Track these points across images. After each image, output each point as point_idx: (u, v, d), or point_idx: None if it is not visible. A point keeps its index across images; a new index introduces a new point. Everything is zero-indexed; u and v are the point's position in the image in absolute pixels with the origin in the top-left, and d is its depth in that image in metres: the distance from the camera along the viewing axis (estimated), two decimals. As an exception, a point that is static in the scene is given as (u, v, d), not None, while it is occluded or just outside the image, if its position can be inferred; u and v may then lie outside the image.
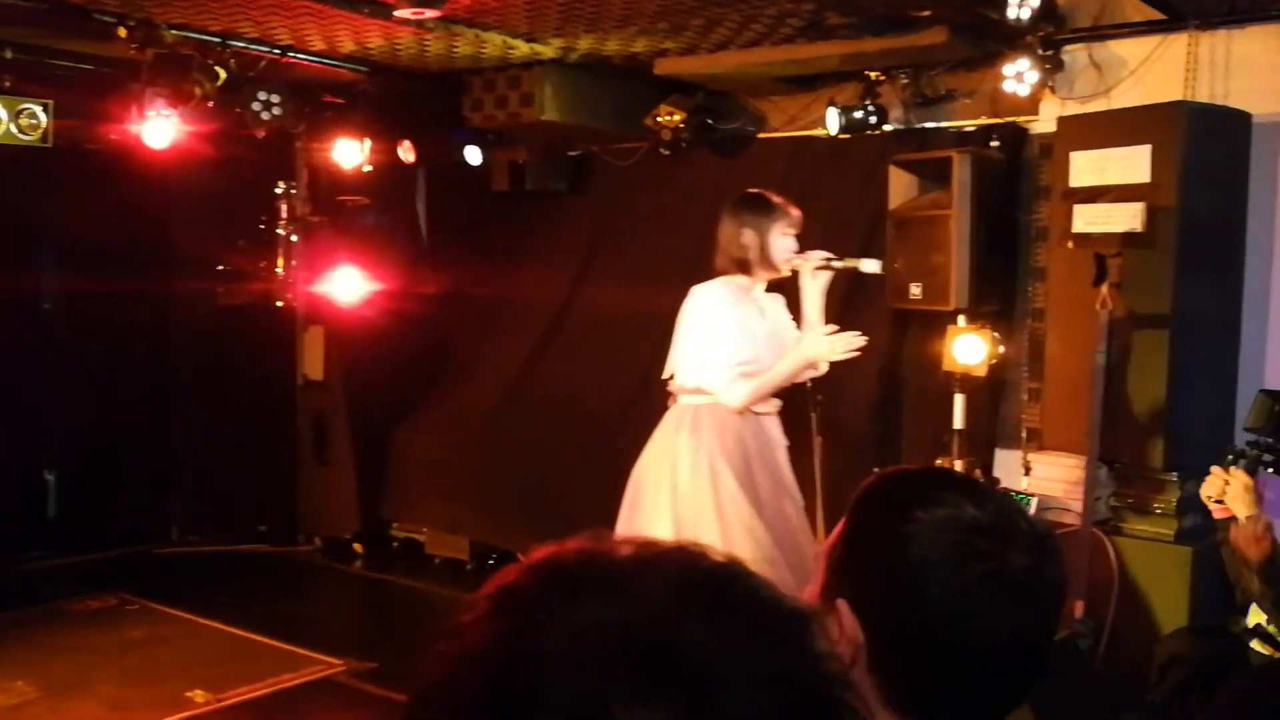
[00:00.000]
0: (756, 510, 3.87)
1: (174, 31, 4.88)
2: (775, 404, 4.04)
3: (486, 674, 0.63)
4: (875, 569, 1.22)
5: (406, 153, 6.32)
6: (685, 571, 0.67)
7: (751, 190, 4.15)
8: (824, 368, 4.00)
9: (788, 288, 4.12)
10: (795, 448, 5.46)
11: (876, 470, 1.39)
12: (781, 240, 3.95)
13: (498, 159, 6.47)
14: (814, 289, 3.96)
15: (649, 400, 6.31)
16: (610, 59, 5.67)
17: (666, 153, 5.90)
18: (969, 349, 4.71)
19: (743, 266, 3.93)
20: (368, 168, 6.33)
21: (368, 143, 6.21)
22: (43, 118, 5.04)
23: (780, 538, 3.90)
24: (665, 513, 3.91)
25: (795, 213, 4.00)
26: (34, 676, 5.03)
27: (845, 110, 5.21)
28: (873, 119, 5.19)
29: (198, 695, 4.83)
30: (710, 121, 5.89)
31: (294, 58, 5.48)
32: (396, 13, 4.50)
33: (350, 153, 6.22)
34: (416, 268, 7.08)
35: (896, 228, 4.98)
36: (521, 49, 5.46)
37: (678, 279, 6.26)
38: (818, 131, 5.50)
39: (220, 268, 6.70)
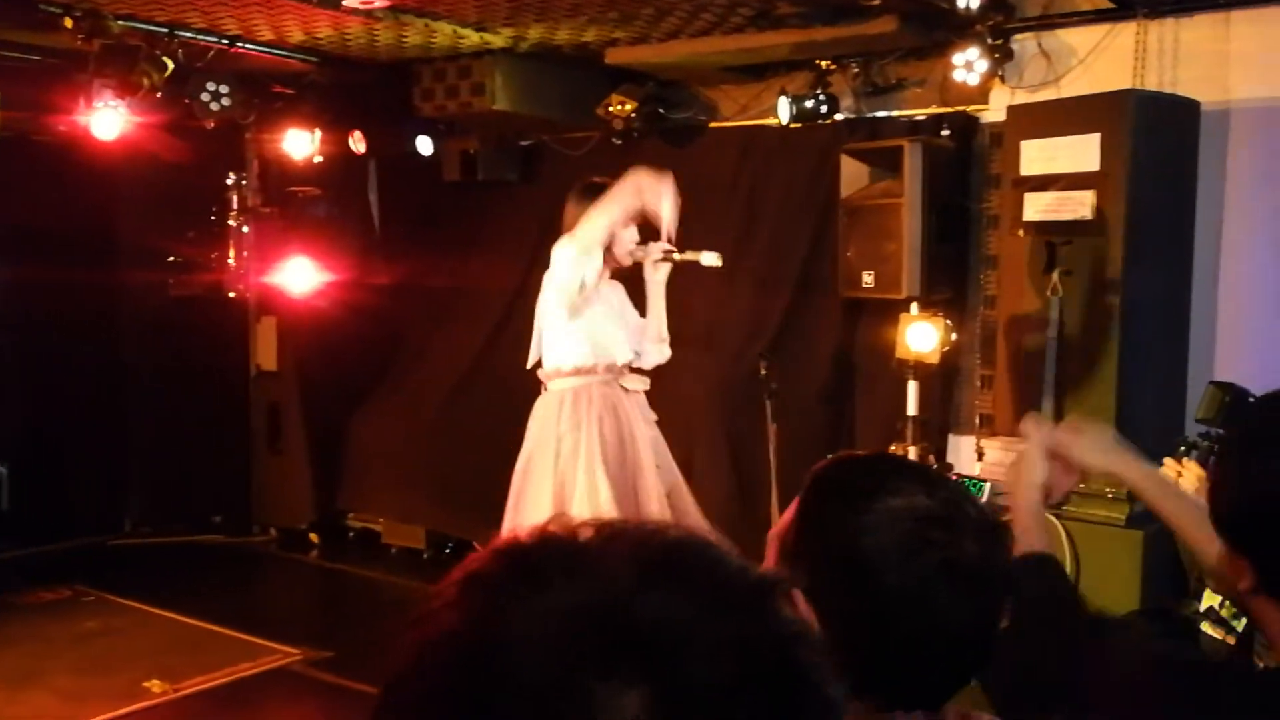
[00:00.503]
0: (617, 480, 4.07)
1: (121, 22, 4.80)
2: (644, 382, 4.22)
3: (456, 661, 0.64)
4: (828, 558, 1.24)
5: (357, 143, 6.27)
6: (643, 548, 0.67)
7: (594, 179, 4.27)
8: (650, 353, 4.28)
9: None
10: (750, 435, 5.52)
11: (829, 456, 1.41)
12: (624, 232, 4.09)
13: (449, 149, 6.44)
14: (656, 280, 4.17)
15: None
16: (561, 48, 5.65)
17: (618, 142, 5.90)
18: (921, 336, 4.76)
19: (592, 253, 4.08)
20: (319, 158, 6.28)
21: (318, 133, 6.16)
22: (-13, 109, 4.95)
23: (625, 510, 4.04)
24: (548, 498, 4.05)
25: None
26: (-12, 669, 5.00)
27: (796, 99, 5.23)
28: (824, 108, 5.21)
29: (154, 685, 4.82)
30: (662, 111, 5.90)
31: (242, 48, 5.41)
32: (345, 2, 4.46)
33: (301, 143, 6.17)
34: (369, 258, 7.03)
35: (848, 216, 5.02)
36: (471, 38, 5.42)
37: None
38: (769, 121, 5.53)
39: (171, 259, 6.62)
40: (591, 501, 3.96)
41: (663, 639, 0.62)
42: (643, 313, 4.33)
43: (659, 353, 4.32)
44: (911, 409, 4.88)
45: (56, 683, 4.88)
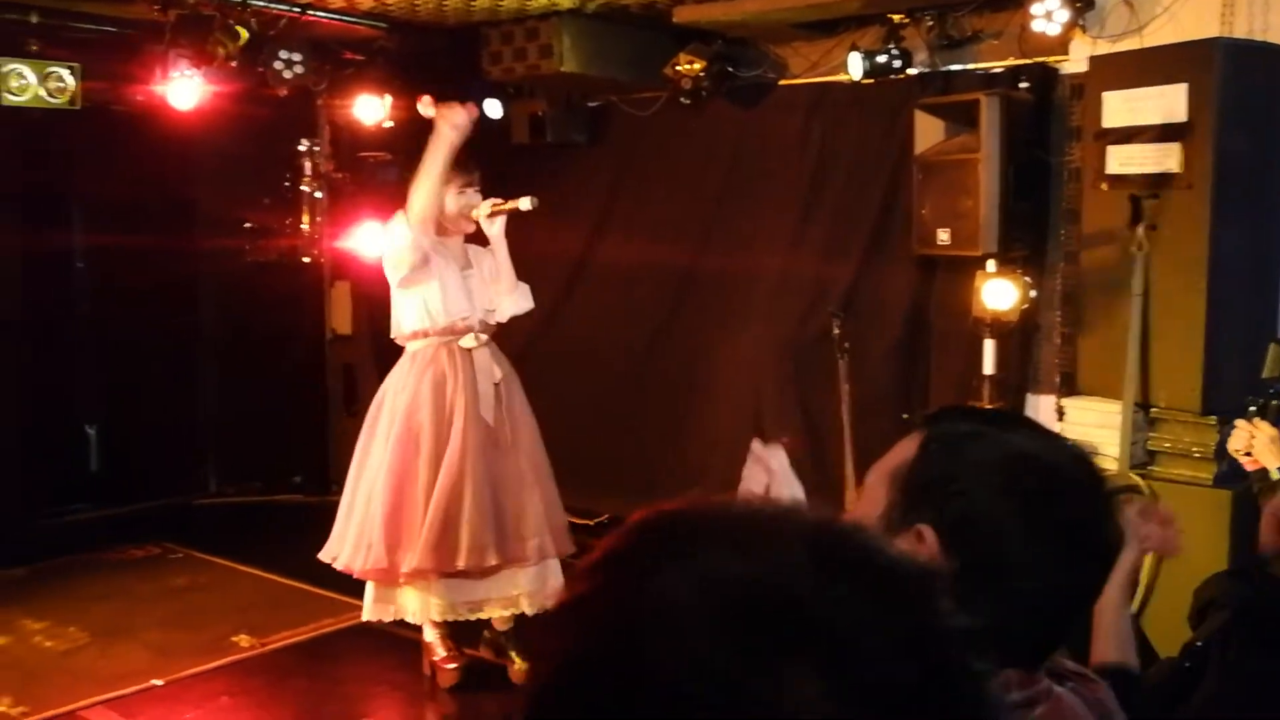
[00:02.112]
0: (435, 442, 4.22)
1: (197, -8, 4.87)
2: (478, 339, 4.38)
3: (608, 640, 0.63)
4: (963, 497, 1.22)
5: (426, 107, 6.27)
6: (815, 529, 0.66)
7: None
8: (504, 305, 4.48)
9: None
10: (821, 395, 5.50)
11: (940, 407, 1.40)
12: (456, 198, 4.35)
13: (518, 111, 6.44)
14: (494, 234, 4.41)
15: (666, 352, 6.36)
16: (628, 8, 5.62)
17: (686, 102, 5.86)
18: (999, 294, 4.70)
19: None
20: (389, 123, 6.31)
21: (388, 99, 6.19)
22: (70, 81, 5.05)
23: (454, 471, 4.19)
24: (379, 452, 4.30)
25: (469, 171, 4.42)
26: (83, 622, 5.19)
27: (868, 55, 5.15)
28: (897, 63, 5.13)
29: (242, 640, 4.95)
30: (730, 69, 5.84)
31: (314, 16, 5.44)
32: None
33: (371, 109, 6.21)
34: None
35: (922, 172, 4.95)
36: (539, 0, 5.41)
37: (697, 228, 6.30)
38: (840, 77, 5.46)
39: (247, 225, 6.72)
40: (394, 454, 4.23)
41: (839, 627, 0.60)
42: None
43: (515, 303, 4.53)
44: (988, 367, 4.83)
45: (147, 636, 5.04)
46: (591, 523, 6.59)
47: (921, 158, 4.93)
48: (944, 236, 4.82)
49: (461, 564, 4.15)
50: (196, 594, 5.67)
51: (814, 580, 0.62)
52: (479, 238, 4.57)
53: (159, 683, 4.56)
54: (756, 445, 1.59)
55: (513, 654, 4.49)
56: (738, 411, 5.96)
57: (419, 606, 4.32)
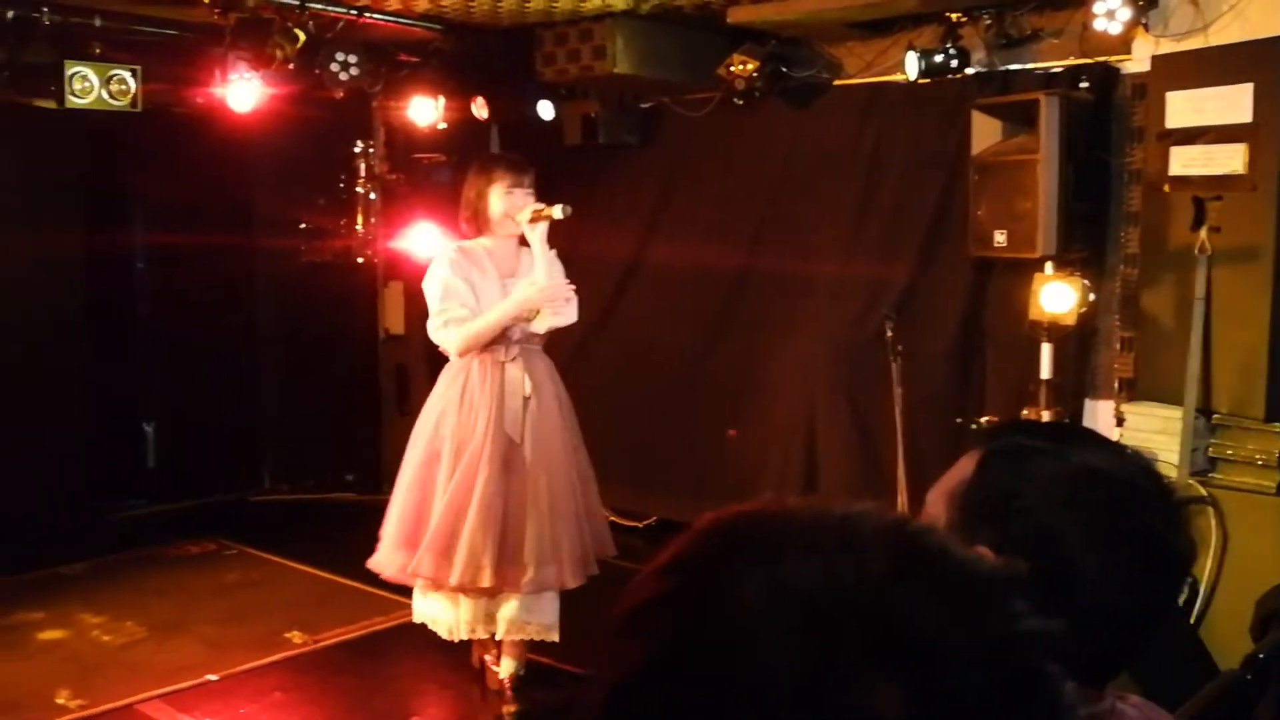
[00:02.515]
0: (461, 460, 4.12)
1: (255, -5, 4.92)
2: (514, 352, 4.22)
3: (679, 648, 0.61)
4: (1015, 520, 1.20)
5: (480, 109, 6.32)
6: (892, 532, 0.64)
7: (490, 152, 4.52)
8: (543, 316, 4.21)
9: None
10: (874, 398, 5.45)
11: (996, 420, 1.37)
12: (503, 199, 4.19)
13: (570, 113, 6.46)
14: (535, 239, 4.19)
15: (719, 353, 6.34)
16: (682, 9, 5.60)
17: (739, 103, 5.83)
18: (1057, 297, 4.63)
19: (470, 226, 4.28)
20: (442, 125, 6.35)
21: (442, 100, 6.23)
22: (132, 83, 5.13)
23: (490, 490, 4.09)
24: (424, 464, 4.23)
25: (519, 171, 4.24)
26: (140, 617, 5.27)
27: (925, 54, 5.10)
28: (954, 62, 5.07)
29: (295, 636, 5.00)
30: (784, 70, 5.81)
31: (370, 18, 5.48)
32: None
33: (425, 111, 6.25)
34: (490, 222, 7.10)
35: (979, 173, 4.89)
36: (593, 1, 5.41)
37: (749, 229, 6.28)
38: (896, 77, 5.40)
39: (302, 226, 6.80)
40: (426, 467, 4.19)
41: (926, 635, 0.59)
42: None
43: (555, 315, 4.25)
44: (1045, 372, 4.75)
45: (202, 631, 5.11)
46: (640, 525, 6.58)
47: (978, 158, 4.87)
48: (1001, 238, 4.75)
49: (454, 581, 4.06)
50: (250, 590, 5.74)
51: (893, 584, 0.60)
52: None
53: (213, 677, 4.61)
54: None
55: (503, 663, 4.39)
56: (790, 414, 5.93)
57: (451, 621, 4.26)
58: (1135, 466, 1.23)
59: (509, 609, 4.17)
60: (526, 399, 4.17)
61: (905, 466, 4.98)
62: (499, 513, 4.07)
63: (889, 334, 4.98)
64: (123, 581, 5.78)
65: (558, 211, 4.13)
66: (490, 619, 4.22)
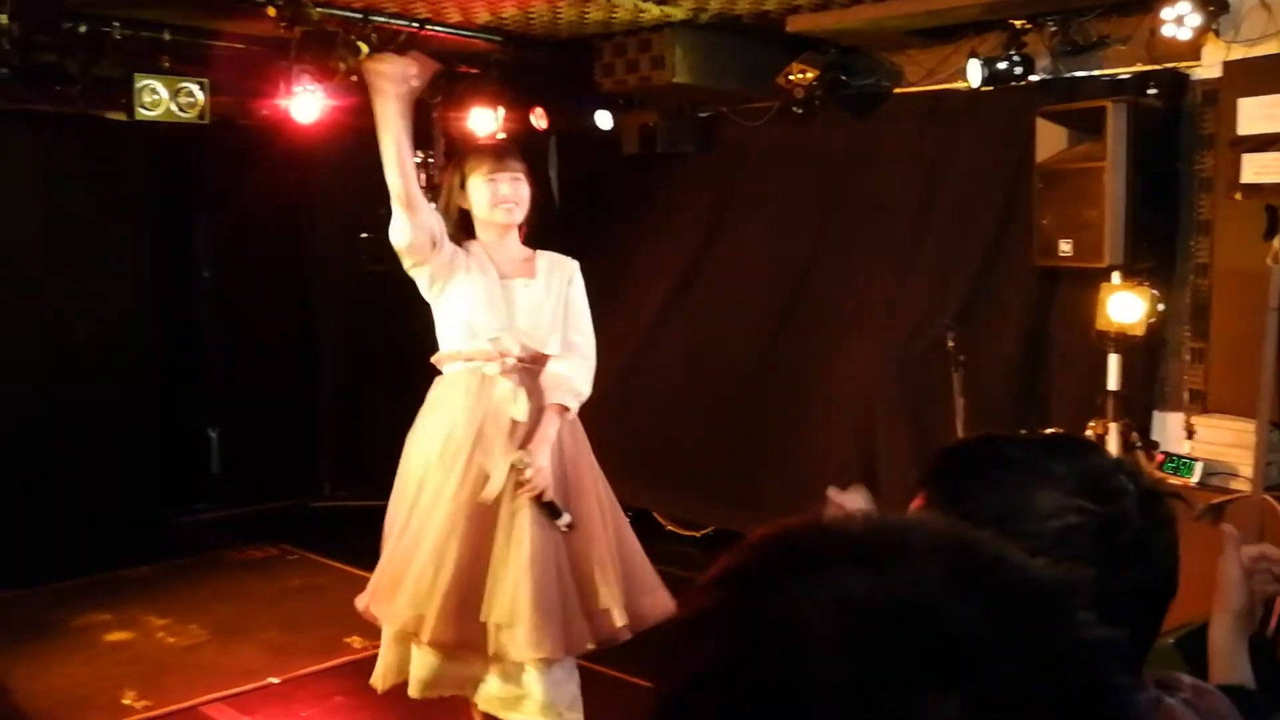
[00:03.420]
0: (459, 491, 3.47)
1: (320, 9, 4.99)
2: (509, 365, 3.56)
3: (731, 662, 0.60)
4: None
5: (538, 119, 6.36)
6: (946, 541, 0.63)
7: (479, 144, 3.93)
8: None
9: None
10: (935, 409, 5.39)
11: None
12: (485, 186, 3.47)
13: (628, 123, 6.47)
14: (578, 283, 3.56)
15: (776, 363, 6.31)
16: (741, 19, 5.59)
17: (798, 112, 5.82)
18: (1125, 307, 4.55)
19: (460, 230, 3.55)
20: (501, 135, 6.38)
21: (501, 111, 6.27)
22: (200, 96, 5.22)
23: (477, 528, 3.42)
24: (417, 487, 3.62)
25: (501, 155, 3.55)
26: (204, 620, 5.33)
27: (988, 61, 5.05)
28: (1018, 69, 5.02)
29: (355, 641, 5.03)
30: (844, 78, 5.78)
31: (432, 30, 5.54)
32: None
33: (484, 121, 6.29)
34: (548, 232, 7.12)
35: (1044, 182, 4.83)
36: (652, 12, 5.42)
37: (807, 238, 6.24)
38: (958, 85, 5.36)
39: (363, 236, 6.86)
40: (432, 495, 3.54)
41: (984, 647, 0.58)
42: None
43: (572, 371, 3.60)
44: (1112, 383, 4.67)
45: (264, 636, 5.16)
46: (698, 534, 6.57)
47: (1043, 166, 4.81)
48: (1066, 247, 4.69)
49: (425, 638, 3.44)
50: (311, 595, 5.79)
51: (948, 595, 0.59)
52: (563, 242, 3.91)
53: (275, 681, 4.66)
54: (833, 492, 1.56)
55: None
56: (848, 425, 5.88)
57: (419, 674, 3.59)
58: (1093, 484, 1.21)
59: (489, 680, 3.50)
60: (516, 423, 3.48)
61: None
62: (470, 561, 3.39)
63: (950, 344, 4.92)
64: (187, 585, 5.87)
65: (563, 523, 3.43)
66: (461, 683, 3.57)
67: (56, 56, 5.02)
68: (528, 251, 3.64)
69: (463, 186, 3.52)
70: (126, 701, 4.42)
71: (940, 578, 0.60)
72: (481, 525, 3.41)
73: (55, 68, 5.02)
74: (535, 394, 3.53)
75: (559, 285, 3.63)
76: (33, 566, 5.71)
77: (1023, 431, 1.41)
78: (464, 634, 3.40)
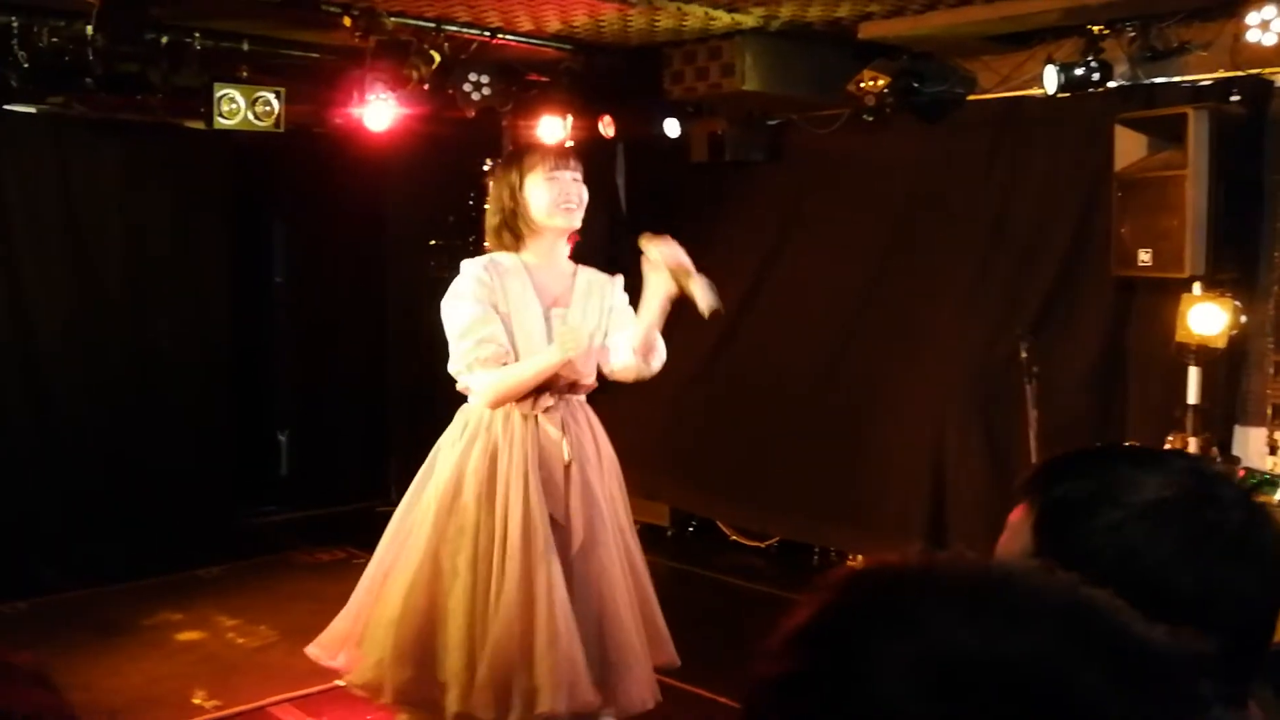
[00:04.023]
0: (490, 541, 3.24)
1: (394, 19, 5.05)
2: (548, 402, 3.33)
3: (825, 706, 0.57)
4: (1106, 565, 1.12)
5: (607, 127, 6.36)
6: (1066, 599, 0.58)
7: (525, 144, 3.63)
8: (623, 361, 3.38)
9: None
10: (1008, 422, 5.29)
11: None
12: (546, 187, 3.20)
13: (697, 130, 6.46)
14: (652, 293, 3.24)
15: (843, 372, 6.24)
16: (812, 26, 5.55)
17: (869, 119, 5.77)
18: (1206, 318, 4.44)
19: (502, 235, 3.31)
20: (570, 143, 6.40)
21: (570, 119, 6.29)
22: (276, 105, 5.31)
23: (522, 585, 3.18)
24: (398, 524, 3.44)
25: (560, 153, 3.33)
26: (273, 621, 5.40)
27: (1065, 67, 4.96)
28: (1095, 76, 4.92)
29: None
30: (915, 85, 5.71)
31: (504, 39, 5.58)
32: (603, -10, 4.53)
33: (553, 129, 6.31)
34: (615, 240, 7.13)
35: (1123, 190, 4.73)
36: (723, 19, 5.40)
37: (877, 247, 6.17)
38: (1034, 91, 5.27)
39: (432, 243, 6.93)
40: (457, 534, 3.30)
41: (1097, 716, 0.54)
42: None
43: (633, 367, 3.40)
44: (1192, 397, 4.56)
45: (333, 640, 5.21)
46: (763, 545, 6.52)
47: (1122, 175, 4.71)
48: (1145, 257, 4.59)
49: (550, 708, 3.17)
50: (379, 598, 5.83)
51: (1068, 660, 0.54)
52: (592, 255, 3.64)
53: (342, 683, 4.70)
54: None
55: None
56: (918, 437, 5.80)
57: None
58: (1197, 476, 1.16)
59: None
60: (567, 466, 3.28)
61: (1040, 493, 4.81)
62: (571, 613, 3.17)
63: (1024, 355, 4.84)
64: (257, 586, 5.95)
65: (703, 299, 3.25)
66: None
67: (139, 66, 5.14)
68: (571, 267, 3.42)
69: (520, 186, 3.25)
70: (196, 701, 4.49)
71: (1057, 640, 0.55)
72: (559, 581, 3.22)
73: (138, 77, 5.13)
74: (571, 426, 3.35)
75: (596, 311, 3.42)
76: (108, 565, 5.83)
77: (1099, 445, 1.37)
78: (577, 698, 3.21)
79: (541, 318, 3.25)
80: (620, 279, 3.58)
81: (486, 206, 3.36)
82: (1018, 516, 1.20)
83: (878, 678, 0.55)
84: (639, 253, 3.41)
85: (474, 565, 3.20)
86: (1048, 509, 1.17)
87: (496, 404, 3.22)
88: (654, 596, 3.54)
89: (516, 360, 3.23)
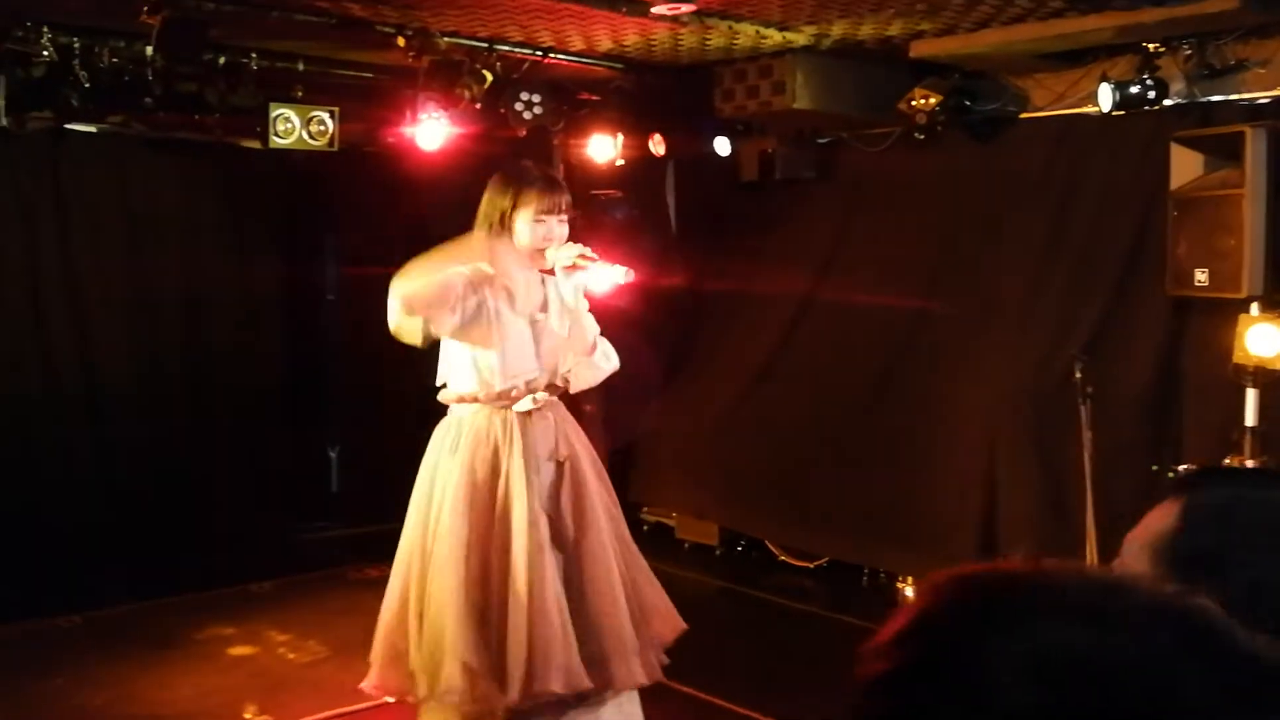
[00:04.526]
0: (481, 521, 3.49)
1: (447, 39, 5.10)
2: (544, 399, 3.60)
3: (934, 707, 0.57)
4: (1248, 566, 1.10)
5: (657, 146, 6.38)
6: (1178, 608, 0.59)
7: (520, 160, 3.81)
8: (577, 374, 3.62)
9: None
10: (1061, 443, 5.23)
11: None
12: (532, 227, 3.49)
13: (747, 149, 6.46)
14: (568, 290, 3.50)
15: (892, 392, 6.20)
16: (863, 44, 5.54)
17: (920, 137, 5.74)
18: (1264, 339, 4.36)
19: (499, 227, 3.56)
20: (620, 162, 6.43)
21: (620, 137, 6.31)
22: (330, 124, 5.39)
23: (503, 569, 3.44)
24: (417, 530, 3.69)
25: (552, 193, 3.55)
26: (323, 636, 5.43)
27: (1120, 85, 4.91)
28: (1151, 94, 4.87)
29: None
30: (967, 103, 5.68)
31: (555, 59, 5.62)
32: (654, 10, 4.54)
33: (604, 148, 6.34)
34: (665, 258, 7.15)
35: (1178, 209, 4.67)
36: (774, 38, 5.41)
37: (928, 266, 6.14)
38: (1088, 109, 5.22)
39: (483, 261, 6.98)
40: (450, 539, 3.52)
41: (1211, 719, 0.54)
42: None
43: (594, 368, 3.64)
44: (1250, 419, 4.48)
45: (381, 655, 5.24)
46: (812, 565, 6.47)
47: (1178, 193, 4.65)
48: (1201, 277, 4.52)
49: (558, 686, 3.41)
50: (427, 615, 5.86)
51: (1182, 664, 0.55)
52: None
53: (391, 700, 4.72)
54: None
55: None
56: (970, 457, 5.75)
57: None
58: None
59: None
60: (561, 463, 3.56)
61: (1095, 515, 4.75)
62: (548, 606, 3.41)
63: (1078, 375, 4.79)
64: (307, 601, 6.00)
65: (621, 275, 3.50)
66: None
67: (197, 86, 5.24)
68: (540, 275, 3.65)
69: (511, 215, 3.53)
70: (247, 716, 4.53)
71: (1172, 644, 0.56)
72: (569, 571, 3.50)
73: (196, 97, 5.23)
74: (558, 423, 3.62)
75: (561, 312, 3.65)
76: (161, 579, 5.90)
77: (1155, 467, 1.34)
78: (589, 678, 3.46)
79: (528, 322, 3.54)
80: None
81: (477, 215, 3.59)
82: (1164, 506, 1.20)
83: (992, 671, 0.56)
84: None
85: (485, 560, 3.45)
86: (1198, 501, 1.17)
87: (408, 311, 3.40)
88: (648, 572, 3.74)
89: (502, 378, 3.49)
